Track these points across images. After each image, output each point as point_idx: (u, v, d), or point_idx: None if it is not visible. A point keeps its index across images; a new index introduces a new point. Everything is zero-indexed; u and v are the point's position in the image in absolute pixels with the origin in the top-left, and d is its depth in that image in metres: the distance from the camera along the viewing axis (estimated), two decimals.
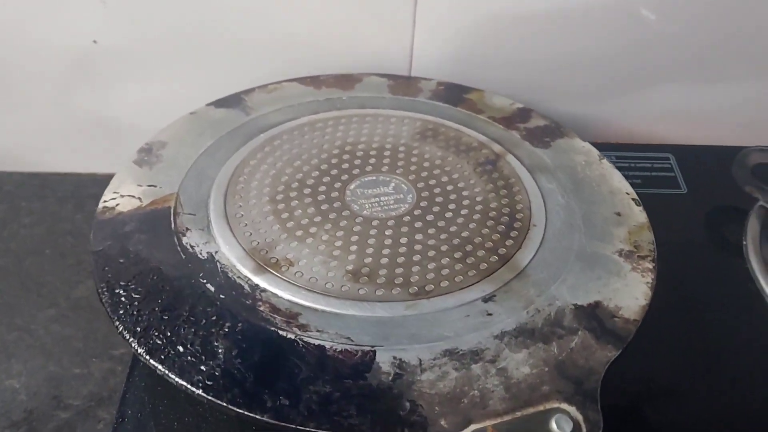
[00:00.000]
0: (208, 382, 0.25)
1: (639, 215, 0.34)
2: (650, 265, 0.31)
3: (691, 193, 0.43)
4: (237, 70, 0.46)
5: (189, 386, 0.25)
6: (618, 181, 0.36)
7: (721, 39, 0.45)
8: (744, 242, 0.37)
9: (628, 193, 0.35)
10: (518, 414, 0.25)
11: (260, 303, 0.28)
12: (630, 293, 0.30)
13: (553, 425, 0.24)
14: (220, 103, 0.41)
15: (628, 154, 0.45)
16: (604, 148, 0.45)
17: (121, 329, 0.27)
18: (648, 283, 0.30)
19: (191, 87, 0.45)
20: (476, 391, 0.25)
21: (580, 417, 0.25)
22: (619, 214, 0.34)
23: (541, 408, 0.25)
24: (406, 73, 0.47)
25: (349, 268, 0.30)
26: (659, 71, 0.47)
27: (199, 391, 0.25)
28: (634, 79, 0.48)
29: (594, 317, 0.28)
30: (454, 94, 0.43)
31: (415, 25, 0.45)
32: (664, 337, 0.34)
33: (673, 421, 0.31)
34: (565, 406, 0.25)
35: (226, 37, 0.45)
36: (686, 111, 0.50)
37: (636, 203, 0.35)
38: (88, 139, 0.50)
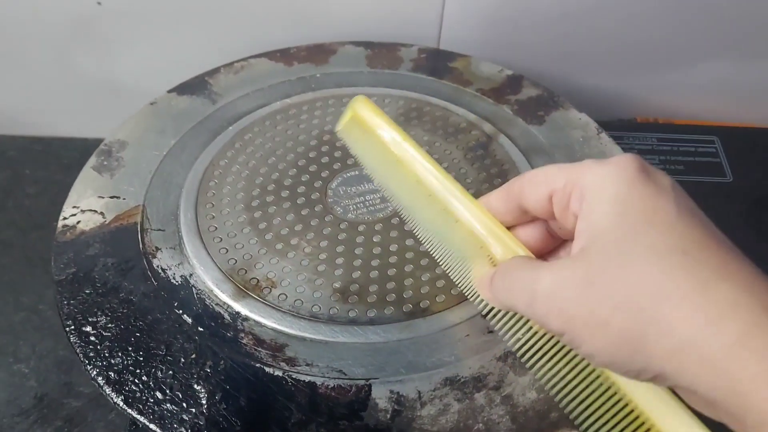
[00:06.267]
0: None
1: None
2: None
3: (736, 182, 0.40)
4: (248, 33, 0.43)
5: None
6: None
7: None
8: None
9: None
10: None
11: (243, 335, 0.26)
12: None
13: None
14: (182, 90, 0.37)
15: (670, 137, 0.42)
16: (646, 129, 0.43)
17: (94, 374, 0.25)
18: None
19: (199, 49, 0.42)
20: (481, 425, 0.24)
21: None
22: None
23: None
24: (434, 45, 0.43)
25: (337, 285, 0.28)
26: (705, 44, 0.43)
27: None
28: (677, 53, 0.44)
29: None
30: (438, 63, 0.39)
31: None
32: None
33: None
34: None
35: None
36: (734, 88, 0.46)
37: None
38: (92, 101, 0.47)
